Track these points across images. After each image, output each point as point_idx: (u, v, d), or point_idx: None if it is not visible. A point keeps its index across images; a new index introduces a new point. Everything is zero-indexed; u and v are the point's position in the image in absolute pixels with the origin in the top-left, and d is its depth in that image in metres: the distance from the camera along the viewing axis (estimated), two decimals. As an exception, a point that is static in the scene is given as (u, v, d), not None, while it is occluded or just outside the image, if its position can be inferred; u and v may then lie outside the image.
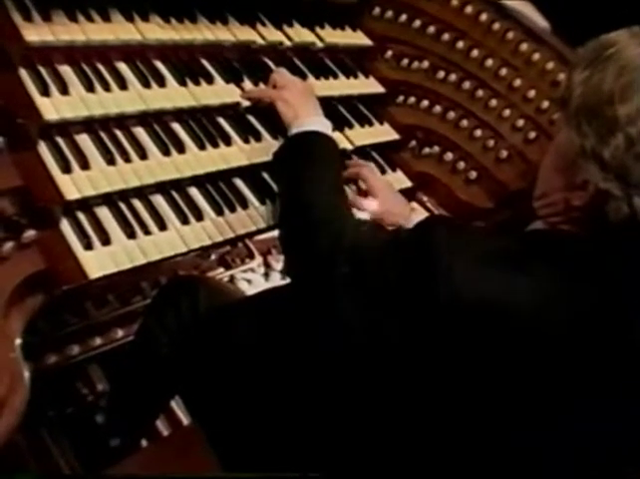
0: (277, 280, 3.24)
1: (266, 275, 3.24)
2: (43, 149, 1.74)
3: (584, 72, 1.40)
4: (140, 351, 2.31)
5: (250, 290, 3.09)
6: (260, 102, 2.14)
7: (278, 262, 3.27)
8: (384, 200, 2.19)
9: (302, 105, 2.04)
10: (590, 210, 1.40)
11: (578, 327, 1.34)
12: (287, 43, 2.35)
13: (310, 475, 1.65)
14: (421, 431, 1.49)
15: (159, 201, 1.91)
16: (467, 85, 2.61)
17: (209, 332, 2.08)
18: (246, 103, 2.14)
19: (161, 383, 2.29)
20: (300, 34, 2.41)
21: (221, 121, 2.12)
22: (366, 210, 2.15)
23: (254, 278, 3.17)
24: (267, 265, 3.27)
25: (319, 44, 2.47)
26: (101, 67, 1.89)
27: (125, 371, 2.39)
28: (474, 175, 2.63)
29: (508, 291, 1.34)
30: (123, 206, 1.84)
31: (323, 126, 2.00)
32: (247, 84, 2.18)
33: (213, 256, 3.07)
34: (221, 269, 3.11)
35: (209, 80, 2.09)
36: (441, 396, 1.41)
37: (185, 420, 2.64)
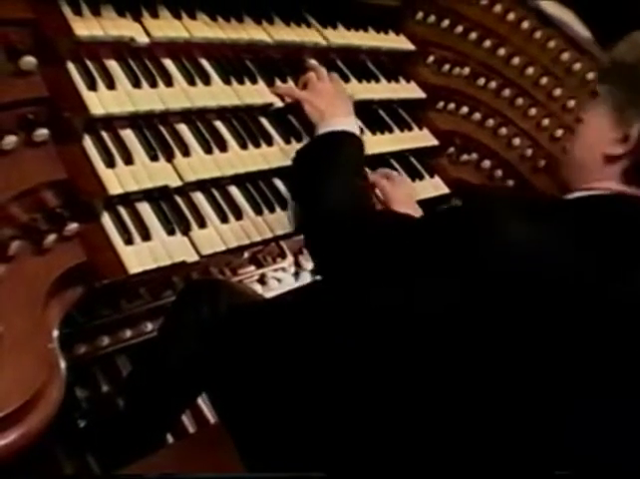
0: (307, 280, 3.25)
1: (296, 275, 3.25)
2: (88, 143, 1.74)
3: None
4: (159, 353, 2.31)
5: (280, 290, 3.10)
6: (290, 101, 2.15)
7: (309, 262, 3.27)
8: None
9: (330, 108, 2.05)
10: (633, 158, 1.50)
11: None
12: (331, 45, 2.34)
13: (316, 475, 1.65)
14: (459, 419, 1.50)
15: (199, 198, 1.91)
16: (507, 92, 2.61)
17: (232, 333, 2.08)
18: (279, 103, 2.13)
19: (180, 385, 2.28)
20: (344, 36, 2.41)
21: (264, 120, 2.12)
22: None
23: (284, 278, 3.17)
24: (298, 265, 3.27)
25: (362, 46, 2.47)
26: (147, 63, 1.90)
27: (144, 372, 2.39)
28: (510, 183, 2.63)
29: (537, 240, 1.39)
30: (163, 202, 1.85)
31: (349, 125, 2.01)
32: (291, 84, 2.18)
33: (246, 254, 3.08)
34: (252, 268, 3.11)
35: (253, 79, 2.09)
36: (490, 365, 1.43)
37: (212, 418, 2.64)
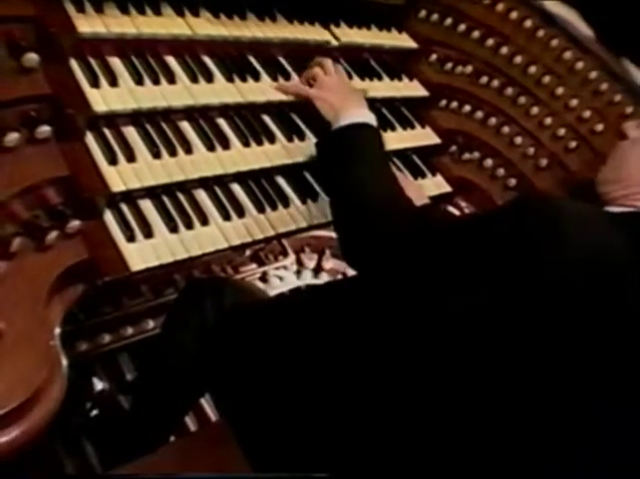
0: (309, 278, 3.26)
1: (298, 273, 3.25)
2: (90, 140, 1.74)
3: None
4: (161, 352, 2.30)
5: (282, 288, 3.10)
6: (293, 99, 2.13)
7: (311, 261, 3.28)
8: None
9: (342, 102, 2.01)
10: None
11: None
12: (334, 43, 2.34)
13: (318, 475, 1.65)
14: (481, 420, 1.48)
15: (201, 196, 1.91)
16: (509, 91, 2.61)
17: (236, 331, 2.07)
18: (284, 97, 2.12)
19: (184, 384, 2.28)
20: (347, 34, 2.40)
21: (266, 118, 2.12)
22: None
23: (286, 276, 3.17)
24: (300, 263, 3.27)
25: (365, 45, 2.47)
26: (150, 60, 1.90)
27: (147, 371, 2.39)
28: (512, 182, 2.64)
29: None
30: (166, 199, 1.85)
31: (364, 116, 1.97)
32: (298, 82, 2.17)
33: (248, 252, 3.07)
34: (254, 266, 3.11)
35: (256, 77, 2.09)
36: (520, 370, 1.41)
37: (214, 416, 2.63)
